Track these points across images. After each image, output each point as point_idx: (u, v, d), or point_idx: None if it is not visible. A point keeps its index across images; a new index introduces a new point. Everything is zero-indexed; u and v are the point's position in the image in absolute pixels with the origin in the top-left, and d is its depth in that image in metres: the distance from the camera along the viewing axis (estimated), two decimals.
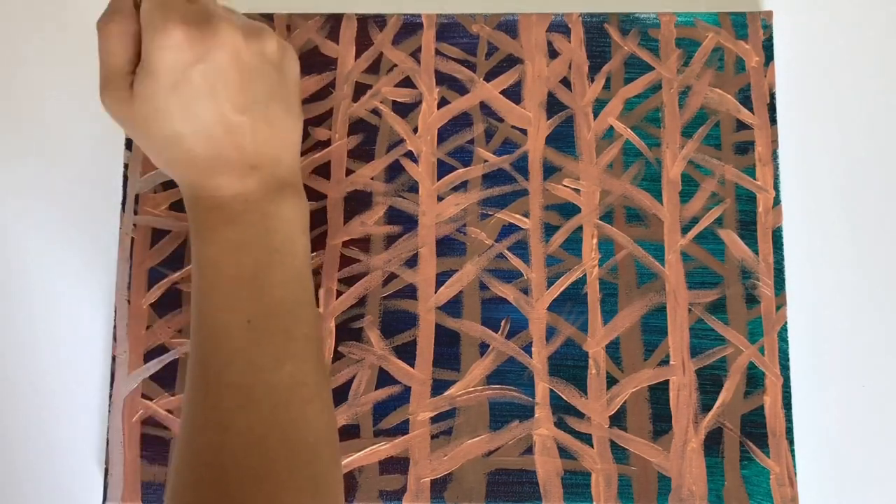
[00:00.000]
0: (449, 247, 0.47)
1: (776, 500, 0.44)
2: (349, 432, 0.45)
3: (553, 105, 0.48)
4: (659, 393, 0.45)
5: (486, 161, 0.48)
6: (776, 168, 0.47)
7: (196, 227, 0.39)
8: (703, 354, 0.45)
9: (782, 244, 0.46)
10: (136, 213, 0.47)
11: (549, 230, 0.47)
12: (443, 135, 0.48)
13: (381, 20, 0.49)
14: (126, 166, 0.48)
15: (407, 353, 0.46)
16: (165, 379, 0.45)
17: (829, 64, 0.50)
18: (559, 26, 0.49)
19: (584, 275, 0.46)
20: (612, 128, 0.48)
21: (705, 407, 0.45)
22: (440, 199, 0.47)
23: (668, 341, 0.45)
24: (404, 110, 0.48)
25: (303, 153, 0.48)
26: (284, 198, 0.40)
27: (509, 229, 0.47)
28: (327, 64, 0.49)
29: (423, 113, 0.48)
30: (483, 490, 0.44)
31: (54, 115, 0.49)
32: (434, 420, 0.45)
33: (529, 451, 0.45)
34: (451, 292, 0.46)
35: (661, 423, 0.45)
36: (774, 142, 0.47)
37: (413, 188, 0.47)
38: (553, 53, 0.49)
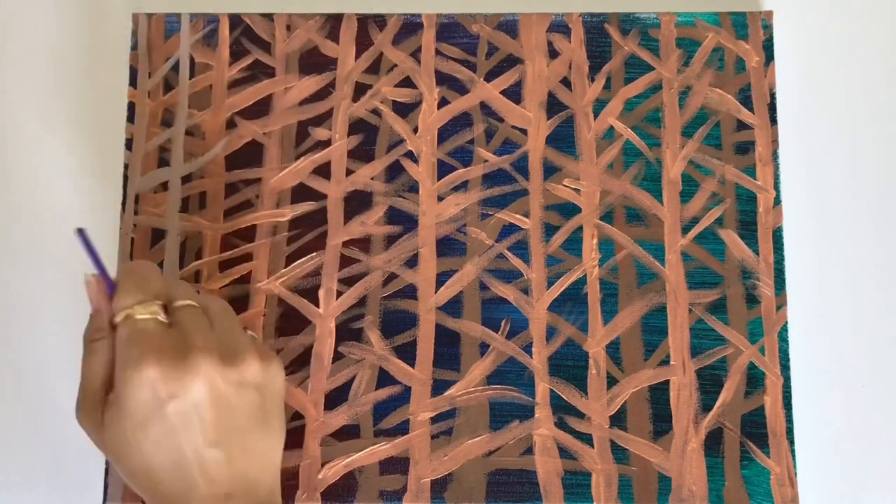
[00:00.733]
0: (449, 247, 0.47)
1: (776, 500, 0.44)
2: (349, 432, 0.45)
3: (553, 105, 0.48)
4: (659, 393, 0.45)
5: (486, 161, 0.48)
6: (776, 168, 0.47)
7: None
8: (703, 354, 0.45)
9: (782, 244, 0.46)
10: (136, 213, 0.47)
11: (550, 230, 0.47)
12: (443, 135, 0.48)
13: (381, 20, 0.49)
14: (126, 166, 0.47)
15: (407, 353, 0.46)
16: None
17: (829, 64, 0.50)
18: (559, 26, 0.49)
19: (585, 275, 0.46)
20: (612, 128, 0.48)
21: (706, 407, 0.45)
22: (440, 199, 0.47)
23: (668, 341, 0.45)
24: (404, 110, 0.48)
25: (303, 153, 0.48)
26: None
27: (509, 229, 0.47)
28: (327, 64, 0.49)
29: (423, 113, 0.48)
30: (483, 490, 0.44)
31: (52, 121, 0.49)
32: (434, 420, 0.45)
33: (530, 451, 0.44)
34: (451, 292, 0.46)
35: (661, 424, 0.45)
36: (775, 142, 0.47)
37: (413, 188, 0.47)
38: (553, 53, 0.49)
